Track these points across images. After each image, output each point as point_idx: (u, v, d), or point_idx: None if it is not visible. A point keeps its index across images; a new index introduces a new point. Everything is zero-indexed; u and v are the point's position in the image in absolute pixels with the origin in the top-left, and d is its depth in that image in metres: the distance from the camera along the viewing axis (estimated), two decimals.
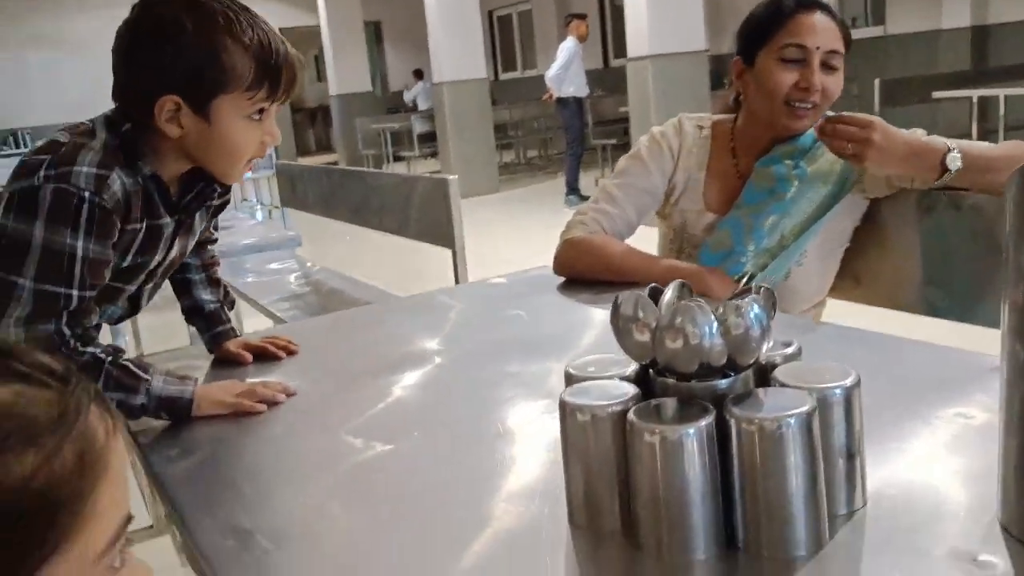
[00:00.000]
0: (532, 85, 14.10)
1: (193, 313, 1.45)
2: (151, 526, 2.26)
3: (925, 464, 0.88)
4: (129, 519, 0.51)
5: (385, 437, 1.07)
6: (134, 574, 0.51)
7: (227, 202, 1.39)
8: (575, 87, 8.29)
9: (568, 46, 8.26)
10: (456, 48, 9.11)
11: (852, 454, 0.77)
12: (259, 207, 8.78)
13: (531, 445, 1.01)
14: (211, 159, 1.19)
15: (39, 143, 1.17)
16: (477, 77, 9.32)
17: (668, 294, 0.84)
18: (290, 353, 1.42)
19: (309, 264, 4.22)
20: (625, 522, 0.78)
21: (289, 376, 1.35)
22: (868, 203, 1.68)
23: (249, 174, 9.63)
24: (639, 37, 7.05)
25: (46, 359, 0.50)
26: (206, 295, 1.45)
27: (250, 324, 4.64)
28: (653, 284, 0.86)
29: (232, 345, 1.43)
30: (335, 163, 12.97)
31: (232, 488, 1.00)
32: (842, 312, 1.69)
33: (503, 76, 15.34)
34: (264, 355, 1.41)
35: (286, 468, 1.05)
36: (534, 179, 10.71)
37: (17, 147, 13.08)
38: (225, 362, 1.41)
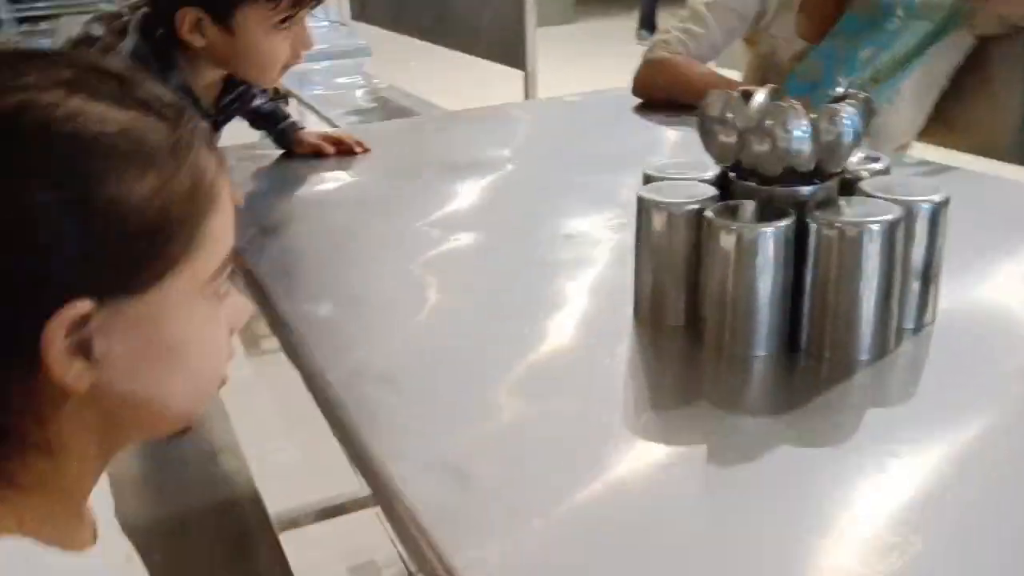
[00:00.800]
0: None
1: (254, 119, 1.45)
2: None
3: (1000, 290, 0.87)
4: (232, 252, 0.53)
5: (460, 229, 1.09)
6: (235, 304, 0.55)
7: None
8: None
9: None
10: None
11: (929, 270, 0.76)
12: (326, 20, 8.64)
13: (599, 248, 1.02)
14: (241, 69, 1.17)
15: (76, 32, 1.15)
16: None
17: (759, 97, 0.81)
18: (364, 151, 1.43)
19: (376, 80, 4.18)
20: (689, 318, 0.79)
21: (361, 173, 1.36)
22: (975, 42, 1.59)
23: None
24: None
25: (163, 91, 0.50)
26: (258, 100, 1.44)
27: (313, 125, 4.66)
28: (745, 87, 0.83)
29: (310, 137, 1.44)
30: None
31: (319, 261, 1.03)
32: (927, 157, 1.63)
33: None
34: (339, 147, 1.42)
35: (366, 248, 1.08)
36: (611, 9, 10.29)
37: None
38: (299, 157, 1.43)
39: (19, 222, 0.43)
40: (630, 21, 9.35)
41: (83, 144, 0.44)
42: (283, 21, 1.12)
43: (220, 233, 0.50)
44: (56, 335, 0.44)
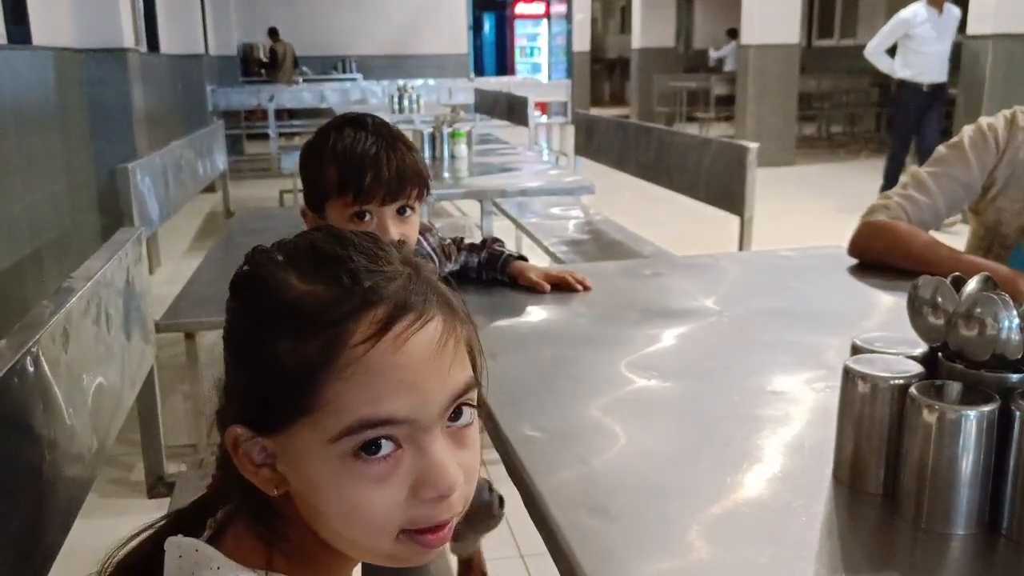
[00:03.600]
0: (847, 56, 13.31)
1: (476, 272, 1.62)
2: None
3: None
4: (368, 423, 0.56)
5: (665, 374, 1.17)
6: (427, 470, 0.58)
7: None
8: (914, 70, 6.43)
9: (903, 15, 6.46)
10: (770, 10, 8.80)
11: None
12: (547, 151, 9.16)
13: (802, 406, 1.07)
14: None
15: None
16: (788, 43, 8.97)
17: (971, 284, 0.85)
18: (585, 289, 1.56)
19: (592, 212, 4.39)
20: (888, 488, 0.82)
21: (575, 309, 1.48)
22: None
23: (543, 118, 9.91)
24: (983, 11, 6.28)
25: (363, 268, 0.59)
26: (467, 259, 1.61)
27: (529, 257, 4.91)
28: (956, 274, 0.88)
29: (532, 273, 1.58)
30: (626, 116, 13.10)
31: (533, 389, 1.15)
32: None
33: (816, 43, 14.57)
34: (561, 286, 1.55)
35: (574, 384, 1.18)
36: (834, 156, 10.18)
37: (343, 72, 14.45)
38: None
39: (228, 356, 0.62)
40: (851, 166, 9.22)
41: (263, 307, 0.60)
42: None
43: (343, 400, 0.56)
44: (233, 447, 0.60)
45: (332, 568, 0.64)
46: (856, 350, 0.90)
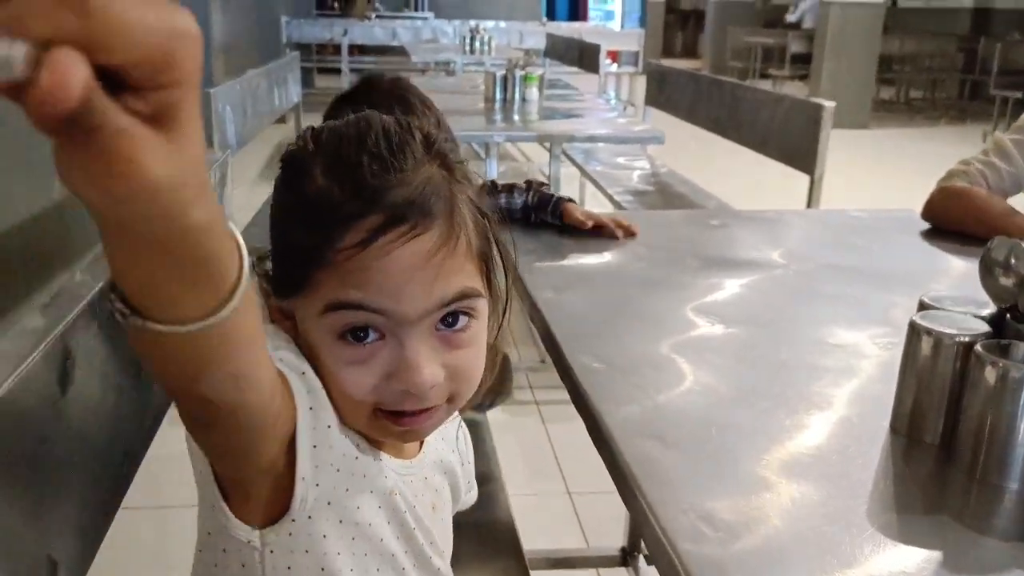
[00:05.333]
0: (937, 18, 12.83)
1: (529, 216, 1.61)
2: (542, 361, 2.72)
3: None
4: (341, 304, 0.65)
5: (727, 320, 1.20)
6: (401, 359, 0.67)
7: None
8: None
9: None
10: None
11: None
12: (615, 99, 9.05)
13: (864, 361, 1.09)
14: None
15: None
16: (873, 0, 8.68)
17: None
18: (629, 235, 1.57)
19: (658, 163, 4.36)
20: (945, 440, 0.85)
21: (639, 254, 1.51)
22: None
23: (614, 67, 9.69)
24: None
25: (375, 182, 0.65)
26: (509, 199, 1.60)
27: (591, 204, 4.92)
28: None
29: (578, 212, 1.59)
30: (698, 70, 12.84)
31: (597, 325, 1.19)
32: None
33: (902, 2, 14.04)
34: (603, 231, 1.56)
35: (641, 323, 1.22)
36: (911, 122, 9.90)
37: (415, 9, 14.39)
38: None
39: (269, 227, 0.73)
40: (929, 133, 8.97)
41: (291, 190, 0.69)
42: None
43: (326, 285, 0.65)
44: (276, 315, 0.71)
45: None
46: (923, 306, 0.91)
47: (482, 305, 0.71)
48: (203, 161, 0.39)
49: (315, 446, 0.64)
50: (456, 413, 0.83)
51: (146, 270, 0.43)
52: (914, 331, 0.87)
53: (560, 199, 1.60)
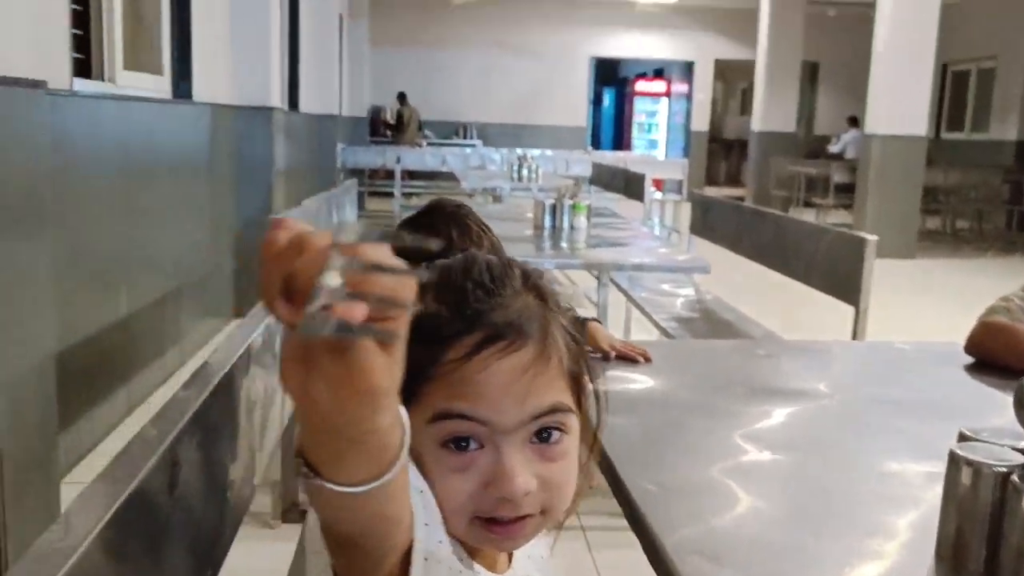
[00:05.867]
0: (977, 150, 13.01)
1: None
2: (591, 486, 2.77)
3: None
4: (447, 414, 0.71)
5: (773, 447, 1.25)
6: (497, 471, 0.72)
7: None
8: None
9: None
10: (898, 100, 8.72)
11: None
12: (659, 227, 9.24)
13: (909, 489, 1.13)
14: None
15: None
16: (916, 134, 8.87)
17: None
18: (646, 360, 1.63)
19: (703, 290, 4.44)
20: (988, 567, 0.88)
21: (686, 380, 1.57)
22: None
23: (658, 195, 9.81)
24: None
25: (480, 305, 0.73)
26: None
27: (638, 334, 4.99)
28: None
29: (602, 339, 1.65)
30: (741, 198, 13.07)
31: (651, 447, 1.24)
32: None
33: (945, 135, 14.28)
34: (623, 356, 1.63)
35: (692, 448, 1.27)
36: (958, 252, 9.91)
37: (464, 137, 14.99)
38: None
39: None
40: (976, 264, 8.96)
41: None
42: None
43: (433, 397, 0.71)
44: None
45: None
46: (963, 438, 0.96)
47: (573, 421, 0.77)
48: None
49: (426, 559, 0.70)
50: (547, 535, 0.88)
51: (334, 451, 0.54)
52: (953, 461, 0.92)
53: (585, 320, 1.68)
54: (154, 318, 3.96)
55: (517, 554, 0.83)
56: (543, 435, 0.74)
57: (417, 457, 0.74)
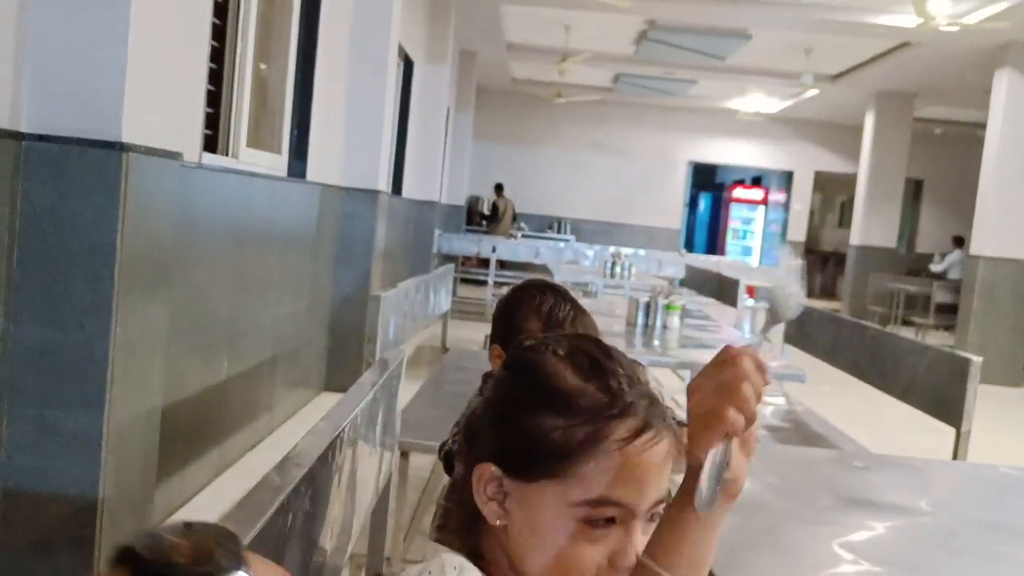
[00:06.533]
0: None
1: None
2: None
3: None
4: (605, 501, 0.75)
5: (871, 560, 1.21)
6: (624, 546, 0.76)
7: None
8: None
9: None
10: (1007, 220, 8.50)
11: None
12: (749, 334, 9.10)
13: None
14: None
15: None
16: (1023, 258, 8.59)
17: None
18: None
19: (795, 401, 4.34)
20: None
21: (769, 486, 1.54)
22: None
23: (750, 302, 9.67)
24: None
25: (624, 382, 0.78)
26: None
27: None
28: None
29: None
30: (836, 311, 12.78)
31: (749, 555, 1.22)
32: None
33: None
34: None
35: (787, 554, 1.25)
36: None
37: (558, 231, 15.19)
38: None
39: (497, 413, 0.79)
40: None
41: (543, 387, 0.78)
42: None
43: (591, 479, 0.74)
44: (479, 479, 0.78)
45: None
46: None
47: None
48: None
49: None
50: None
51: None
52: None
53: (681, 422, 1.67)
54: (250, 385, 4.09)
55: None
56: (655, 517, 0.78)
57: (532, 527, 0.77)
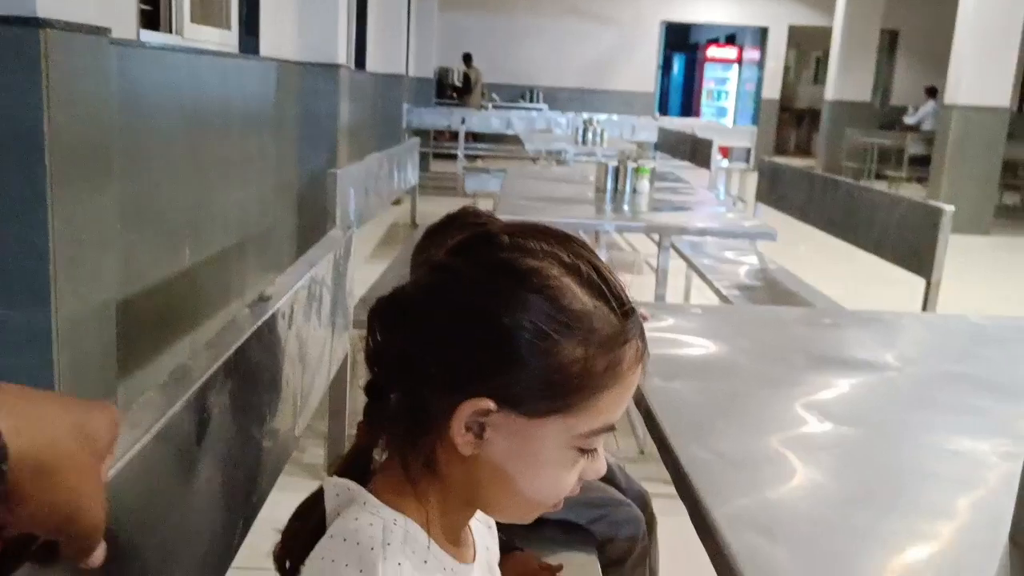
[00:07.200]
0: None
1: None
2: (640, 452, 2.81)
3: None
4: (611, 427, 0.71)
5: (837, 419, 1.19)
6: (596, 463, 0.73)
7: None
8: None
9: None
10: (982, 69, 8.36)
11: None
12: (724, 194, 9.05)
13: (982, 470, 1.06)
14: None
15: None
16: (998, 106, 8.49)
17: None
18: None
19: (767, 260, 4.33)
20: None
21: (738, 348, 1.51)
22: None
23: (724, 163, 9.66)
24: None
25: (625, 295, 0.71)
26: None
27: (697, 297, 4.90)
28: None
29: None
30: (811, 168, 12.70)
31: (705, 415, 1.20)
32: None
33: None
34: None
35: (749, 416, 1.22)
36: None
37: (530, 101, 14.86)
38: None
39: (495, 336, 0.66)
40: None
41: (558, 310, 0.67)
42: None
43: (606, 409, 0.69)
44: (466, 411, 0.67)
45: (452, 525, 0.75)
46: None
47: None
48: None
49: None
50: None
51: None
52: None
53: None
54: (219, 271, 4.02)
55: (478, 546, 0.80)
56: None
57: (524, 458, 0.70)
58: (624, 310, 0.69)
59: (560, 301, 0.67)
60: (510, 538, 1.15)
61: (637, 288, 1.81)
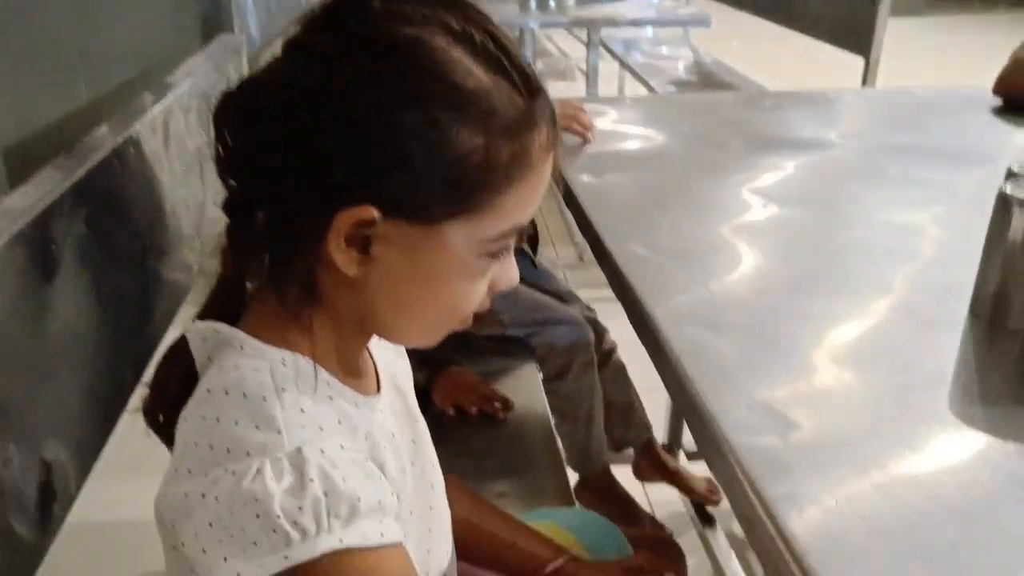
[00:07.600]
0: None
1: None
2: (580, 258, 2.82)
3: None
4: (520, 230, 0.58)
5: (780, 201, 1.10)
6: (507, 270, 0.61)
7: None
8: None
9: None
10: None
11: None
12: None
13: (933, 243, 1.00)
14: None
15: None
16: None
17: None
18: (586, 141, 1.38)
19: (702, 53, 4.16)
20: None
21: (675, 135, 1.40)
22: None
23: None
24: None
25: (531, 70, 0.57)
26: None
27: (631, 91, 4.74)
28: None
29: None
30: None
31: (642, 210, 1.10)
32: None
33: None
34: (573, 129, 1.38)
35: (690, 207, 1.13)
36: (967, 8, 9.38)
37: None
38: None
39: (370, 128, 0.52)
40: (986, 21, 8.51)
41: (446, 88, 0.52)
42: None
43: (513, 208, 0.56)
44: (344, 222, 0.53)
45: (347, 357, 0.63)
46: (1012, 175, 0.81)
47: None
48: None
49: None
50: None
51: None
52: (1004, 203, 0.77)
53: None
54: (123, 106, 3.73)
55: (382, 372, 0.68)
56: None
57: (426, 267, 0.57)
58: (530, 87, 0.55)
59: (450, 78, 0.52)
60: (446, 352, 1.07)
61: (569, 95, 1.66)
